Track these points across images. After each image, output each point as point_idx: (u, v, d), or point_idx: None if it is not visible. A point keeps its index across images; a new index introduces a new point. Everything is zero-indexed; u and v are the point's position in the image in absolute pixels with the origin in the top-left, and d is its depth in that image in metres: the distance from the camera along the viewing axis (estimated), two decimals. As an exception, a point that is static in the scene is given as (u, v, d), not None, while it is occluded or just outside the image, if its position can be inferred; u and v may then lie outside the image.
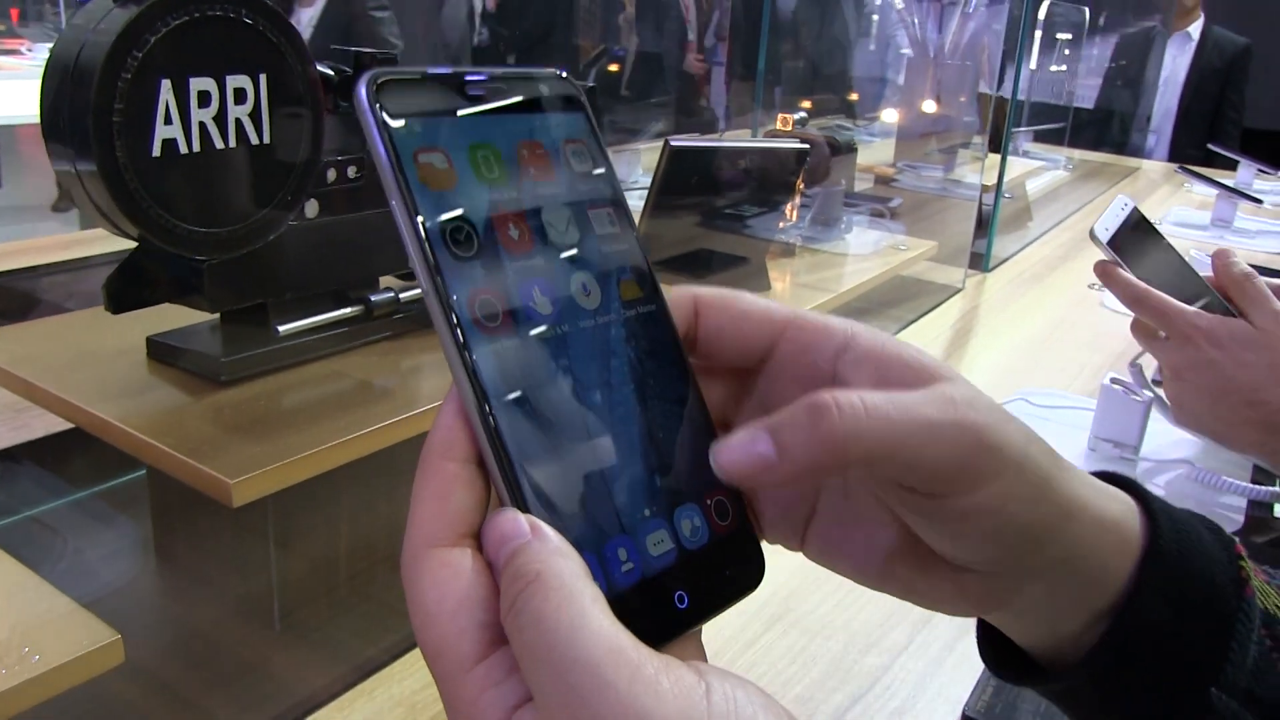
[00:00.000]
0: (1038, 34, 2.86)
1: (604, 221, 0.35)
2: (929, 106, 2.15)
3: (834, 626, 0.73)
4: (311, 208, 0.80)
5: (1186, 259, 1.00)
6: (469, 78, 0.33)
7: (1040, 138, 3.23)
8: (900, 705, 0.68)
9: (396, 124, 0.31)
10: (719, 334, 0.35)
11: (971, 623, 0.40)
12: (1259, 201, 2.34)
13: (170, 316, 0.80)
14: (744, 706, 0.27)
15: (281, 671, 0.75)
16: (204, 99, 0.70)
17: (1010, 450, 0.32)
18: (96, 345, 0.82)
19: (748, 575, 0.34)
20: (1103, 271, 0.95)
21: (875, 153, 2.39)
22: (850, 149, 1.53)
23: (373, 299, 0.85)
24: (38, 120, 0.69)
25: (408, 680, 0.69)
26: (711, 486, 0.34)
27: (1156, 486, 0.99)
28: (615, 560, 0.31)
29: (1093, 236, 0.96)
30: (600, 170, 0.35)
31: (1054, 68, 3.12)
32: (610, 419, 0.32)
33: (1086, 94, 3.90)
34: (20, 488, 0.89)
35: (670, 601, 0.32)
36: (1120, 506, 0.37)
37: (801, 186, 1.47)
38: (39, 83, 0.68)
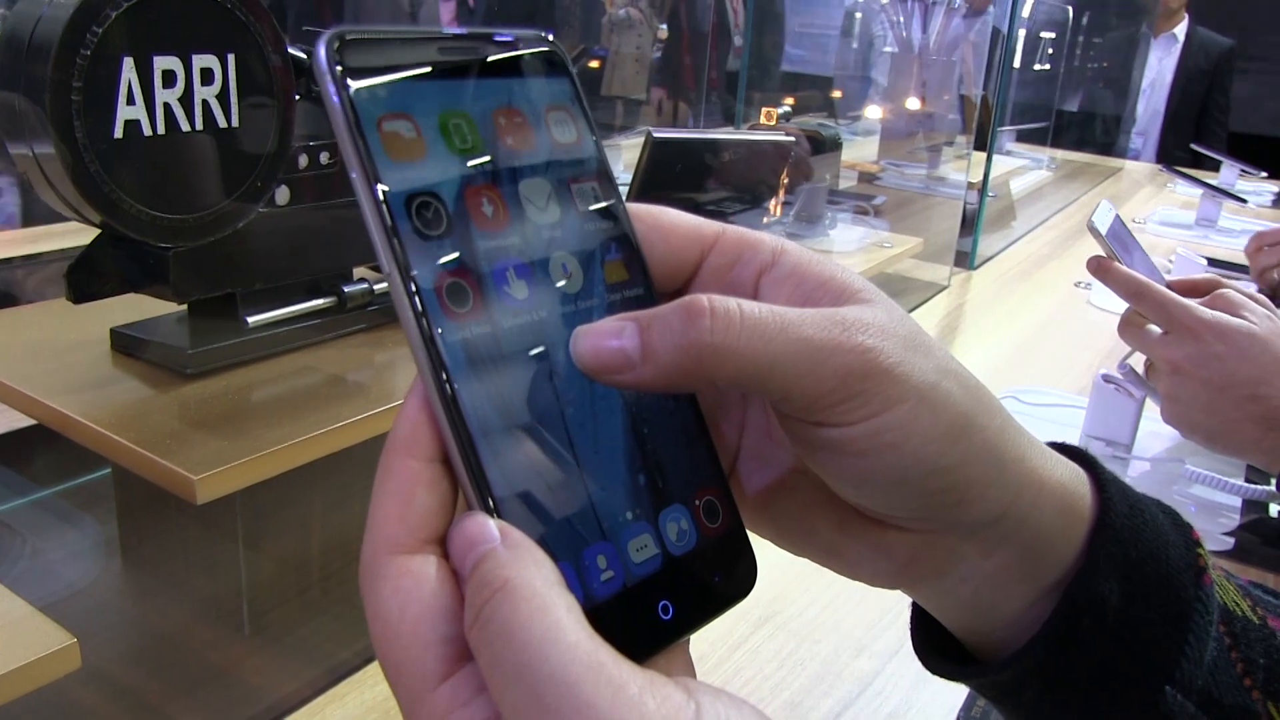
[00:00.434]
0: (1022, 33, 2.86)
1: (588, 197, 0.32)
2: (913, 104, 2.14)
3: (824, 629, 0.71)
4: (282, 194, 0.77)
5: (1154, 264, 1.00)
6: (443, 37, 0.31)
7: (1023, 138, 3.22)
8: (893, 711, 0.66)
9: (358, 86, 0.28)
10: (649, 249, 0.33)
11: None
12: (1243, 201, 2.35)
13: (136, 307, 0.77)
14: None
15: (250, 676, 0.72)
16: (169, 79, 0.67)
17: (912, 380, 0.29)
18: (58, 337, 0.78)
19: (738, 581, 0.32)
20: (1098, 266, 0.93)
21: (858, 150, 2.38)
22: (835, 145, 1.51)
23: (346, 290, 0.82)
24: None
25: (381, 684, 0.66)
26: (702, 485, 0.32)
27: (1150, 485, 0.98)
28: (594, 568, 0.28)
29: (1091, 228, 0.96)
30: (585, 141, 0.32)
31: (1037, 67, 3.11)
32: (590, 414, 0.30)
33: (1070, 95, 3.90)
34: (-21, 485, 0.86)
35: (654, 612, 0.29)
36: (1068, 472, 0.34)
37: (786, 181, 1.44)
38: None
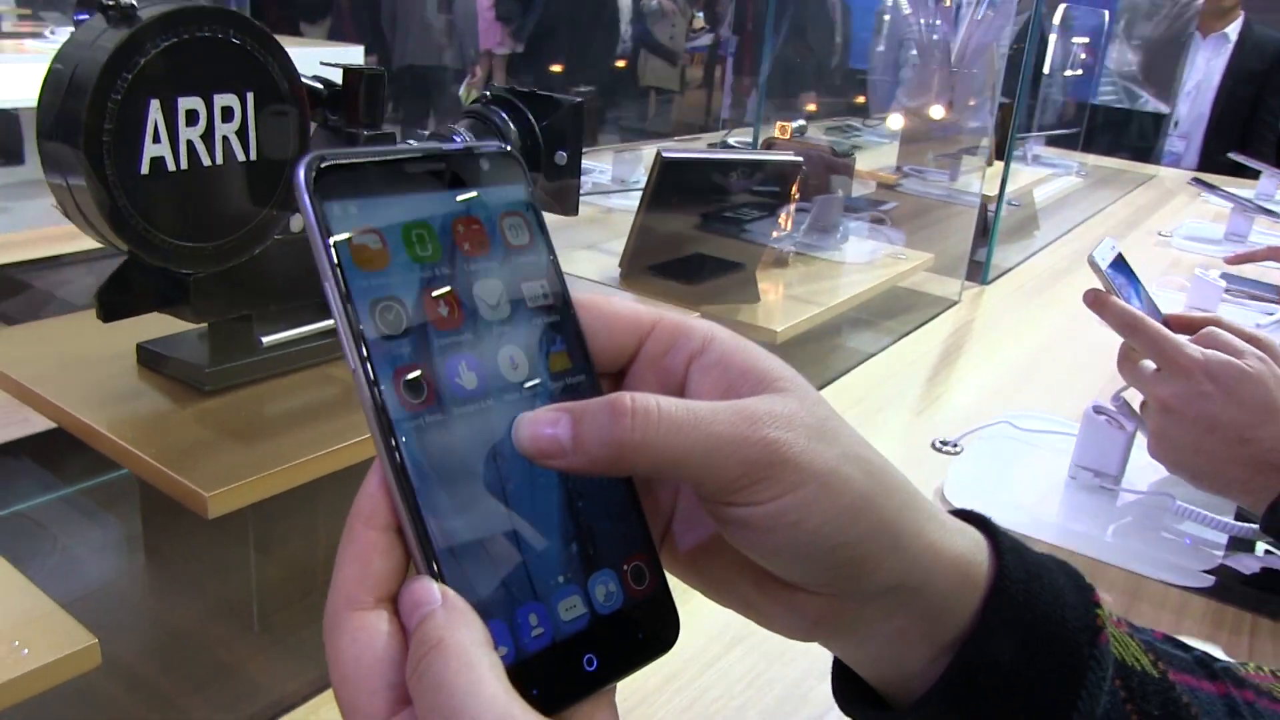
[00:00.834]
0: (1053, 38, 2.86)
1: (537, 295, 0.36)
2: (935, 111, 2.15)
3: (794, 652, 0.75)
4: (296, 222, 0.82)
5: (1156, 303, 1.01)
6: (409, 156, 0.35)
7: (1053, 143, 3.22)
8: (850, 731, 0.70)
9: (332, 208, 0.32)
10: (592, 335, 0.37)
11: None
12: (1277, 215, 2.28)
13: (164, 321, 0.82)
14: None
15: (257, 673, 0.78)
16: (192, 118, 0.72)
17: (814, 466, 0.33)
18: (89, 349, 0.84)
19: (662, 637, 0.36)
20: (1094, 299, 0.94)
21: (884, 156, 2.39)
22: (848, 158, 1.54)
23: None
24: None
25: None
26: (630, 552, 0.35)
27: (1137, 518, 1.00)
28: (526, 625, 0.32)
29: (1091, 263, 0.97)
30: (537, 242, 0.36)
31: (1069, 72, 3.11)
32: (530, 490, 0.33)
33: (1106, 99, 3.88)
34: (13, 483, 0.92)
35: (579, 664, 0.33)
36: (967, 542, 0.38)
37: (797, 196, 1.48)
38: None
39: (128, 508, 0.92)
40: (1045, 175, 2.84)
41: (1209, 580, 0.91)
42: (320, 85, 0.86)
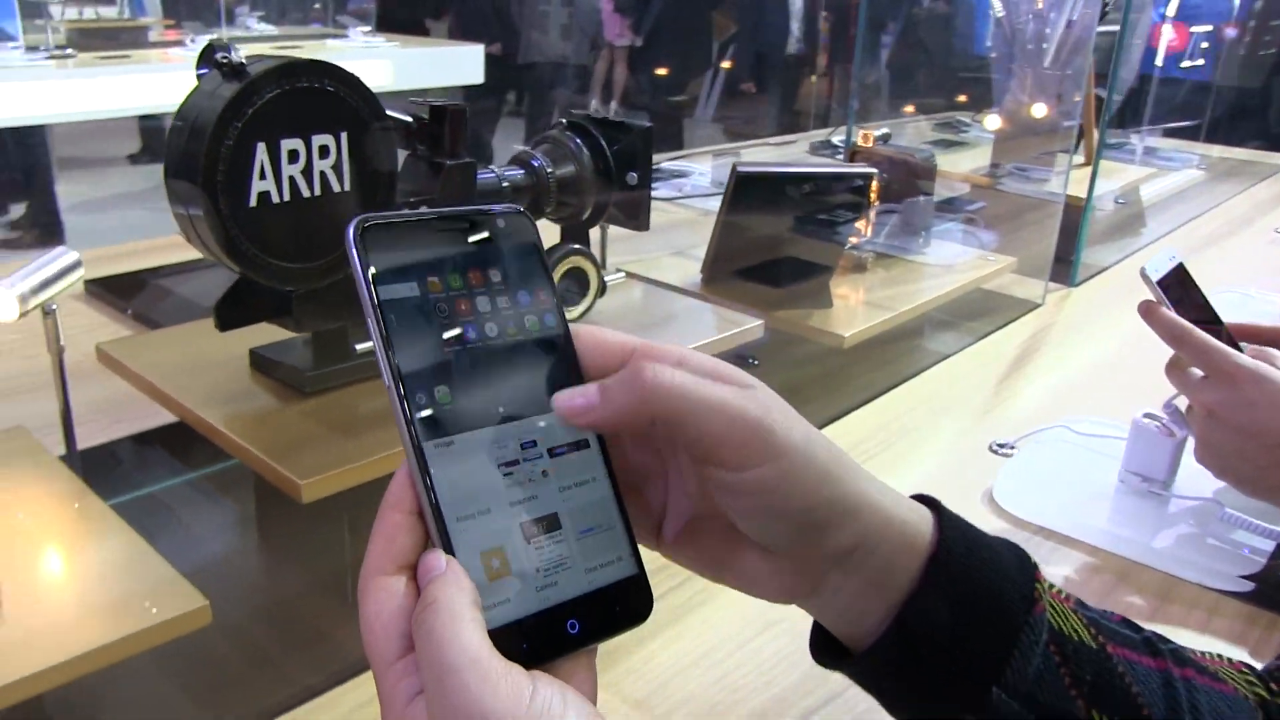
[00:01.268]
0: (1166, 26, 2.82)
1: (541, 328, 0.44)
2: (1038, 110, 2.16)
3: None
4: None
5: (1219, 315, 1.02)
6: (439, 216, 0.44)
7: (1173, 135, 3.16)
8: (864, 711, 0.77)
9: (374, 258, 0.41)
10: (588, 359, 0.45)
11: None
12: None
13: (272, 329, 0.93)
14: (555, 705, 0.37)
15: (345, 639, 0.88)
16: (293, 156, 0.83)
17: (788, 441, 0.41)
18: (209, 354, 0.96)
19: (636, 612, 0.44)
20: (1146, 310, 0.98)
21: (987, 154, 2.40)
22: (929, 163, 1.59)
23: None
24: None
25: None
26: (612, 542, 0.43)
27: (1183, 524, 1.04)
28: (519, 594, 0.40)
29: (1143, 275, 1.00)
30: (544, 286, 0.45)
31: (1187, 63, 3.06)
32: (529, 491, 0.42)
33: (1235, 87, 3.79)
34: (147, 468, 1.05)
35: (563, 628, 0.41)
36: (914, 516, 0.45)
37: (876, 202, 1.54)
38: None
39: (244, 493, 1.05)
40: (1155, 171, 2.80)
41: (1248, 586, 0.94)
42: (410, 119, 0.97)
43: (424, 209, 0.44)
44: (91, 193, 4.84)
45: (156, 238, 1.55)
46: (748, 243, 1.40)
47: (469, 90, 5.34)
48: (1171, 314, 0.96)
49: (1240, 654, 0.54)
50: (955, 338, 1.58)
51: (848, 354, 1.33)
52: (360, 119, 0.87)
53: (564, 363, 0.45)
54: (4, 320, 0.81)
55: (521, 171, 1.08)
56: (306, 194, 0.85)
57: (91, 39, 3.92)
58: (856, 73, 2.10)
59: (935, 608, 0.44)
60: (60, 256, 0.85)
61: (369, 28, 4.68)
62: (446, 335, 0.42)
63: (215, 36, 4.36)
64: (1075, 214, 1.83)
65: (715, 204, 1.64)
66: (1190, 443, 1.00)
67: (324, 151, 0.85)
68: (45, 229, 4.35)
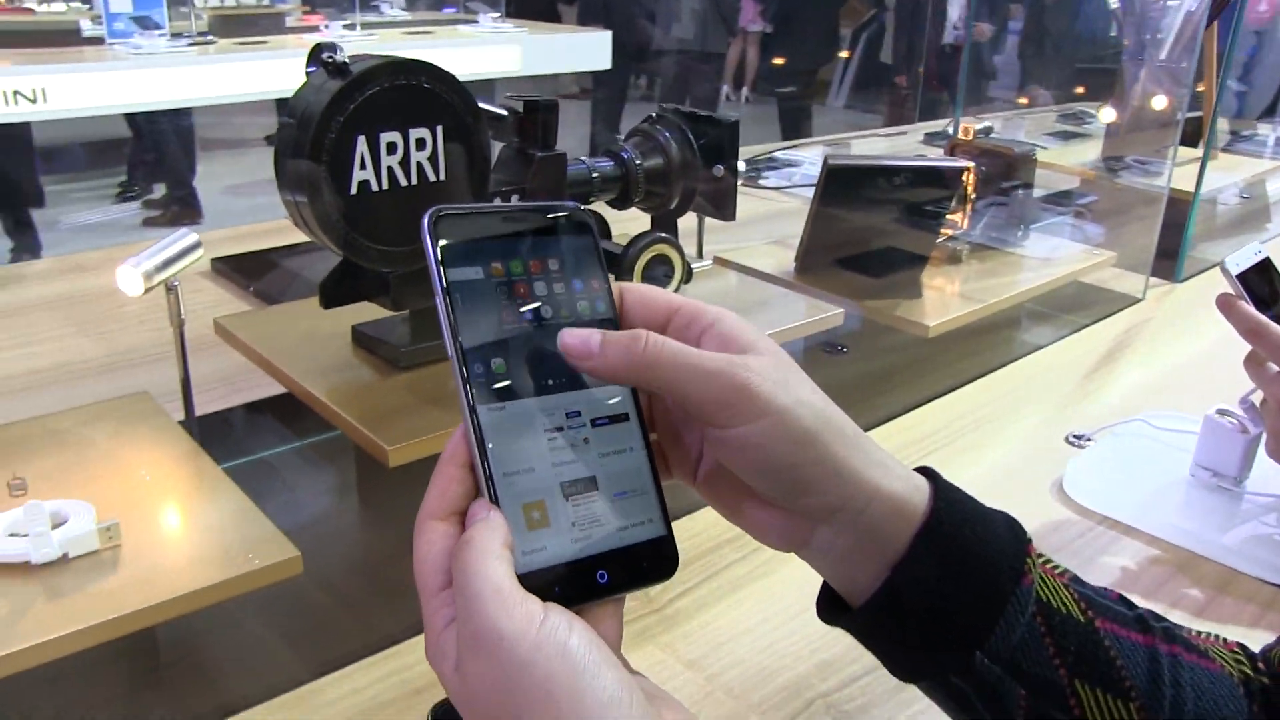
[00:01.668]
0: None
1: (592, 310, 0.49)
2: (1147, 101, 2.12)
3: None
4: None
5: None
6: (505, 209, 0.49)
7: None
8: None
9: (444, 243, 0.46)
10: (632, 312, 0.50)
11: None
12: None
13: (374, 308, 1.00)
14: (561, 630, 0.41)
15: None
16: (391, 148, 0.90)
17: (772, 403, 0.45)
18: (315, 329, 1.04)
19: (662, 569, 0.48)
20: (1225, 303, 0.99)
21: (1111, 145, 2.35)
22: (1029, 157, 1.60)
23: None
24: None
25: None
26: (644, 505, 0.48)
27: (1252, 519, 1.04)
28: (555, 543, 0.45)
29: (1223, 269, 1.01)
30: (595, 271, 0.50)
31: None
32: (570, 460, 0.47)
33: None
34: (258, 434, 1.14)
35: (593, 577, 0.46)
36: (906, 488, 0.48)
37: (973, 195, 1.55)
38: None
39: (345, 461, 1.13)
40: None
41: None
42: (505, 113, 1.03)
43: (495, 203, 0.50)
44: (228, 173, 5.07)
45: (280, 219, 1.65)
46: (839, 233, 1.43)
47: (598, 75, 5.42)
48: (1249, 308, 0.97)
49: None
50: (1050, 330, 1.59)
51: (937, 343, 1.35)
52: (455, 113, 0.93)
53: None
54: (130, 295, 0.90)
55: (611, 163, 1.13)
56: (404, 183, 0.91)
57: (231, 25, 4.11)
58: (965, 65, 2.10)
59: (923, 574, 0.48)
60: (182, 238, 0.94)
61: (499, 13, 4.79)
62: (504, 314, 0.47)
63: (348, 21, 4.49)
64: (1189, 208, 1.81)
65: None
66: (1264, 439, 1.01)
67: (420, 144, 0.92)
68: (185, 207, 4.58)
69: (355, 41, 4.12)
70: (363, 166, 0.89)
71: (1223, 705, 0.52)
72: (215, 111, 4.59)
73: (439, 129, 0.92)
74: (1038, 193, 2.05)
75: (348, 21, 4.40)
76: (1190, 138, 2.06)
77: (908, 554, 0.48)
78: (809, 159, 2.37)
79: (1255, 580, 0.95)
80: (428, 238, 0.46)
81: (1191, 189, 1.84)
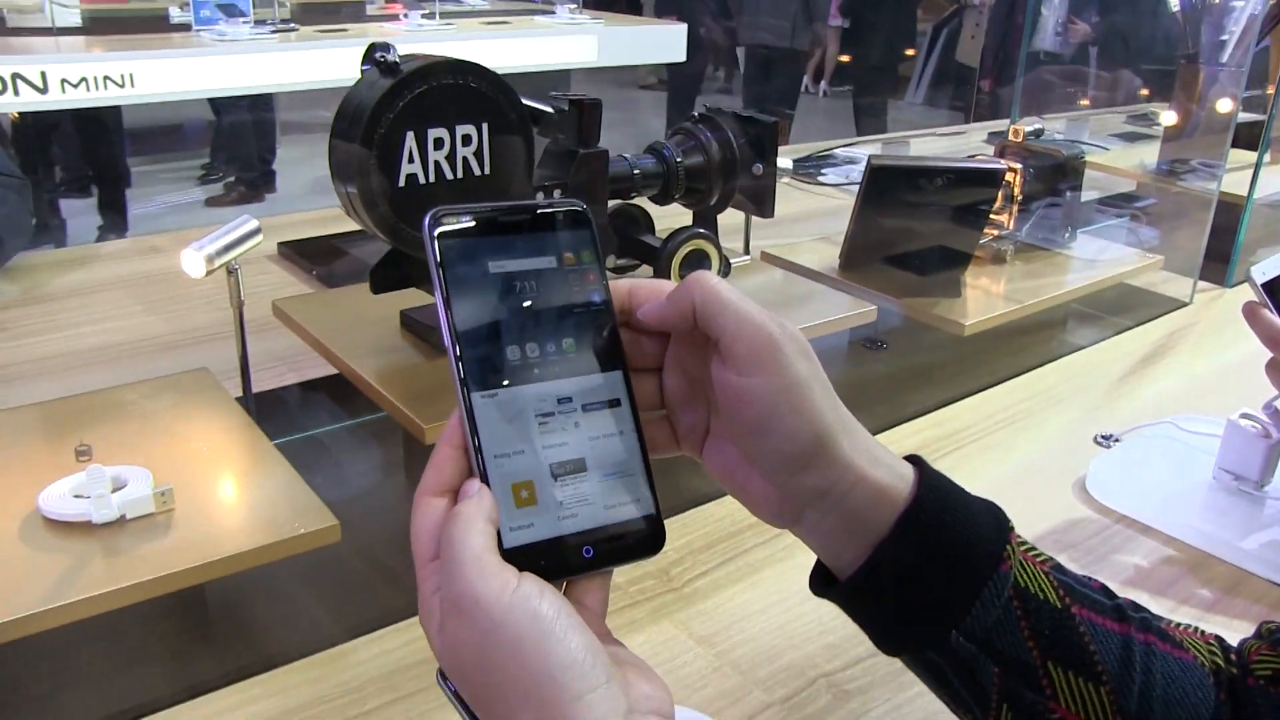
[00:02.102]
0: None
1: (587, 302, 0.53)
2: (1222, 104, 2.11)
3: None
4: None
5: None
6: (503, 208, 0.52)
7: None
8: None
9: (445, 242, 0.50)
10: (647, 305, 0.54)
11: None
12: None
13: (421, 294, 1.06)
14: (533, 596, 0.45)
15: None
16: (439, 144, 0.95)
17: (790, 367, 0.49)
18: (366, 313, 1.10)
19: (648, 545, 0.51)
20: (1249, 311, 1.02)
21: (1178, 149, 2.34)
22: (1077, 160, 1.61)
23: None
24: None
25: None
26: (633, 484, 0.51)
27: (1272, 524, 1.06)
28: (542, 520, 0.49)
29: (1248, 278, 1.03)
30: (592, 266, 0.53)
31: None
32: (560, 443, 0.50)
33: None
34: (311, 413, 1.20)
35: (580, 552, 0.50)
36: (891, 477, 0.51)
37: (1019, 196, 1.57)
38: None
39: (393, 440, 1.19)
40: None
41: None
42: (551, 110, 1.08)
43: (493, 203, 0.53)
44: (306, 157, 5.18)
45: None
46: (882, 232, 1.46)
47: (675, 67, 5.44)
48: (1271, 315, 0.99)
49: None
50: (1093, 332, 1.60)
51: (976, 341, 1.37)
52: (500, 111, 0.98)
53: (606, 334, 0.53)
54: (193, 277, 0.96)
55: (653, 160, 1.17)
56: (450, 177, 0.97)
57: (313, 13, 4.21)
58: (1021, 64, 2.10)
59: (902, 556, 0.51)
60: (243, 224, 1.00)
61: (575, 4, 4.83)
62: (499, 306, 0.50)
63: (428, 10, 4.56)
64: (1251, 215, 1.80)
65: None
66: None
67: (466, 140, 0.97)
68: (263, 189, 4.71)
69: (432, 30, 4.19)
70: (411, 160, 0.94)
71: (1190, 693, 0.55)
72: (295, 97, 4.70)
73: (484, 126, 0.97)
74: (1094, 195, 2.06)
75: (427, 11, 4.46)
76: (1254, 143, 2.05)
77: (889, 536, 0.51)
78: (865, 157, 2.39)
79: (1266, 582, 0.96)
80: (427, 237, 0.49)
81: (1235, 193, 1.83)
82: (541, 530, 0.49)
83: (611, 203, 1.16)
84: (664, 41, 4.83)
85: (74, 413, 0.99)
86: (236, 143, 4.81)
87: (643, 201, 1.20)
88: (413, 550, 0.48)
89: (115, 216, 4.17)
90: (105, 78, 3.21)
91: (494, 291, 0.50)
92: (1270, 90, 2.28)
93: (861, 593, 0.53)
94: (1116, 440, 1.21)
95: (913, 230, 1.45)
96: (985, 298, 1.46)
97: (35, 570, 0.77)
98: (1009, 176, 1.52)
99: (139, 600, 0.76)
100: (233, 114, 4.70)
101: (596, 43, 4.43)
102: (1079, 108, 2.62)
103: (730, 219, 1.26)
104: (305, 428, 1.17)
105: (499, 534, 0.47)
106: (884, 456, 0.53)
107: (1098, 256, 1.65)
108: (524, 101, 1.00)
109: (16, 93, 2.99)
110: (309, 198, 4.65)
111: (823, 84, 7.67)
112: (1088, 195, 1.92)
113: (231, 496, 0.90)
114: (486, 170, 0.99)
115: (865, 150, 2.46)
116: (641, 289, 0.54)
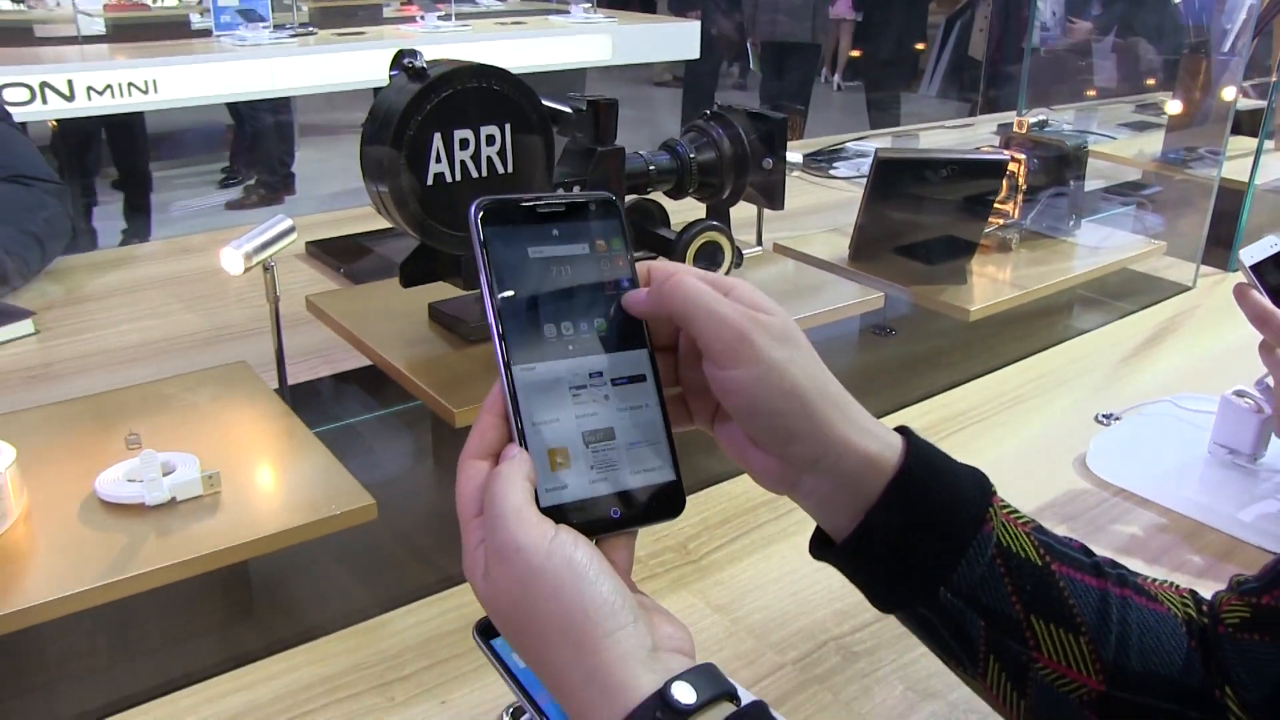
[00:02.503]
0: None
1: (616, 284, 0.57)
2: (1228, 93, 2.14)
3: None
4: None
5: None
6: (541, 198, 0.57)
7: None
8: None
9: (488, 229, 0.55)
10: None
11: None
12: None
13: (449, 287, 1.11)
14: (568, 545, 0.50)
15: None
16: (464, 144, 1.00)
17: (765, 355, 0.53)
18: (396, 306, 1.15)
19: (670, 507, 0.56)
20: (1239, 292, 1.06)
21: (1188, 137, 2.37)
22: (1080, 150, 1.65)
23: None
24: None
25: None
26: (657, 453, 0.56)
27: (1265, 494, 1.11)
28: (579, 481, 0.54)
29: (1239, 259, 1.08)
30: (622, 253, 0.58)
31: None
32: (591, 413, 0.55)
33: None
34: (345, 402, 1.26)
35: (607, 511, 0.54)
36: (879, 446, 0.55)
37: (1024, 186, 1.61)
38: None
39: (423, 428, 1.24)
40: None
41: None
42: (569, 110, 1.13)
43: (532, 194, 0.58)
44: (325, 159, 5.26)
45: (369, 205, 1.77)
46: (889, 222, 1.51)
47: (690, 63, 5.48)
48: (1259, 296, 1.03)
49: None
50: (1096, 316, 1.64)
51: (982, 326, 1.42)
52: (522, 112, 1.03)
53: (632, 315, 0.58)
54: (232, 274, 1.02)
55: (667, 156, 1.22)
56: (475, 175, 1.02)
57: (331, 17, 4.28)
58: (1026, 56, 2.15)
59: (891, 520, 0.56)
60: (279, 223, 1.05)
61: (590, 3, 4.89)
62: (538, 288, 0.55)
63: (444, 12, 4.60)
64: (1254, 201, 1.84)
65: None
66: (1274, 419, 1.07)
67: (490, 140, 1.02)
68: (282, 191, 4.77)
69: (449, 32, 4.25)
70: (438, 160, 0.99)
71: (1164, 641, 0.60)
72: (312, 99, 4.77)
73: (507, 126, 1.03)
74: (1100, 184, 2.10)
75: (443, 12, 4.52)
76: (1256, 130, 2.08)
77: (879, 501, 0.55)
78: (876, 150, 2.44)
79: (1258, 550, 1.01)
80: (473, 224, 0.54)
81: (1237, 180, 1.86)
82: (574, 491, 0.53)
83: (628, 197, 1.21)
84: (678, 39, 4.89)
85: (122, 405, 1.05)
86: (256, 146, 4.88)
87: (658, 196, 1.25)
88: (457, 509, 0.53)
89: (140, 221, 4.24)
90: (130, 84, 3.28)
91: (533, 274, 0.55)
92: (1273, 79, 2.31)
93: (856, 554, 0.57)
94: (1117, 419, 1.26)
95: (919, 221, 1.49)
96: (991, 284, 1.50)
97: (94, 549, 0.83)
98: (1013, 167, 1.57)
99: (189, 576, 0.82)
100: (252, 118, 4.77)
101: (611, 41, 4.49)
102: (1087, 98, 2.66)
103: (742, 212, 1.31)
104: (339, 417, 1.23)
105: (535, 493, 0.52)
106: (873, 428, 0.57)
107: (1102, 243, 1.69)
108: (544, 102, 1.05)
109: (45, 101, 3.07)
110: (328, 200, 4.72)
111: (835, 77, 7.71)
112: (1094, 184, 1.97)
113: (273, 480, 0.95)
114: (510, 168, 1.04)
115: (875, 144, 2.51)
116: (656, 271, 0.58)
